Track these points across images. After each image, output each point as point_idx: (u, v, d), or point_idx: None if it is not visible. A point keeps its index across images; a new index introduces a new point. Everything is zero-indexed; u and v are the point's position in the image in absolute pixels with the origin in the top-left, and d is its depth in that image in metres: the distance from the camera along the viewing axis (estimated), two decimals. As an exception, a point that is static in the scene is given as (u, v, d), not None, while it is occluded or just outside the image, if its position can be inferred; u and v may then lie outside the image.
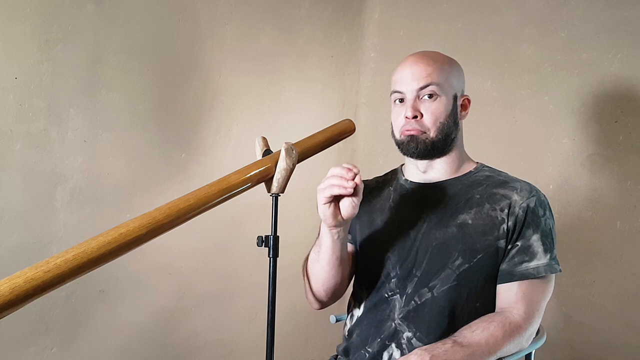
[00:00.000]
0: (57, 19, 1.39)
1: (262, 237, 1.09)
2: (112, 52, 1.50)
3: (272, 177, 1.11)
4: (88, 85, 1.46)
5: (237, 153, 1.79)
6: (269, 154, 1.15)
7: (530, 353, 1.16)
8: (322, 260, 1.12)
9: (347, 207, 1.02)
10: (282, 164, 1.10)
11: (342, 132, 1.34)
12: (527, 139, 1.74)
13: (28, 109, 1.36)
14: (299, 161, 1.13)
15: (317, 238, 1.17)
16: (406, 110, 1.11)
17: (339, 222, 1.04)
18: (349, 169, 0.99)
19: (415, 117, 1.10)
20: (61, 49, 1.40)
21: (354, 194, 1.00)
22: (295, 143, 1.16)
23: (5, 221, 1.35)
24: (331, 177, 1.00)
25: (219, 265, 1.80)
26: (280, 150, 1.11)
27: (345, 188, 0.98)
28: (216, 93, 1.75)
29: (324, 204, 1.02)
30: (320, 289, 1.17)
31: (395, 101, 1.16)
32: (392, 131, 1.18)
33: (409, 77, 1.11)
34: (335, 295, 1.19)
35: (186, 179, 1.68)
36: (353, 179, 0.98)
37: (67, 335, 1.47)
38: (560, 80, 1.69)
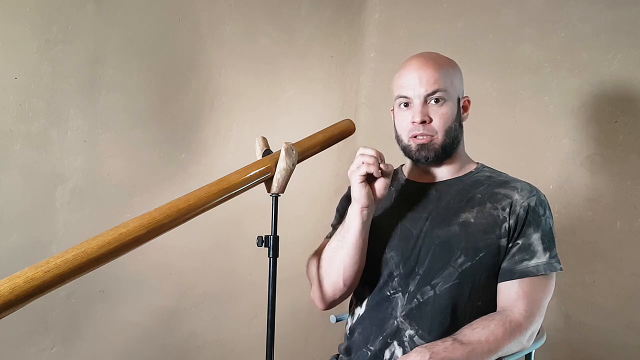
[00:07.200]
0: (57, 19, 1.39)
1: (262, 237, 1.09)
2: (112, 52, 1.50)
3: (272, 177, 1.11)
4: (88, 85, 1.46)
5: (237, 153, 1.79)
6: (269, 154, 1.15)
7: (530, 353, 1.16)
8: (347, 245, 1.11)
9: (381, 187, 1.08)
10: (282, 164, 1.10)
11: (342, 132, 1.34)
12: (527, 139, 1.74)
13: (28, 109, 1.36)
14: (299, 161, 1.14)
15: (338, 229, 1.16)
16: (414, 115, 1.11)
17: (372, 201, 1.08)
18: (379, 153, 1.06)
19: (423, 121, 1.10)
20: (61, 49, 1.40)
21: (386, 174, 1.07)
22: (295, 143, 1.16)
23: (5, 221, 1.35)
24: (364, 156, 1.05)
25: (219, 265, 1.80)
26: (280, 150, 1.11)
27: (379, 169, 1.05)
28: (216, 93, 1.75)
29: (360, 182, 1.06)
30: (339, 279, 1.13)
31: (400, 105, 1.15)
32: (397, 135, 1.17)
33: (416, 83, 1.11)
34: (353, 284, 1.16)
35: (186, 179, 1.68)
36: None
37: (67, 335, 1.47)
38: (560, 80, 1.69)
